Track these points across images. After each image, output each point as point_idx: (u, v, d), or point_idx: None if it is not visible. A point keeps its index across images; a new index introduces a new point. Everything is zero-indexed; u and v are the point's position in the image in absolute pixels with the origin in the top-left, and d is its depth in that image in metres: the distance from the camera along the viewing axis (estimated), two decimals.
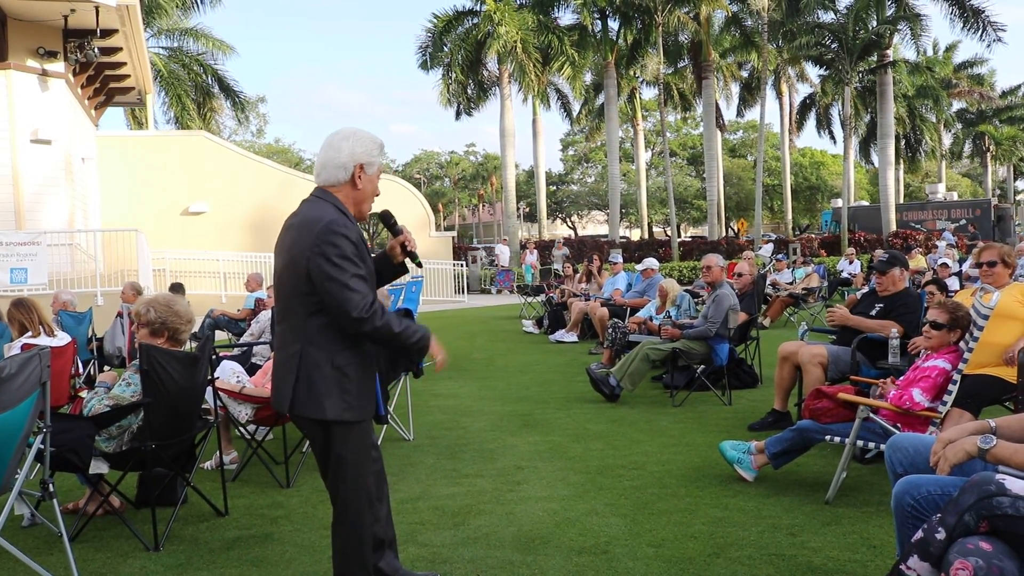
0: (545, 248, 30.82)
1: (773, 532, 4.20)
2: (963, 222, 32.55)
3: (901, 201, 42.52)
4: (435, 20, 31.87)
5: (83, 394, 7.21)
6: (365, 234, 3.74)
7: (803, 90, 41.56)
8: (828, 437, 4.75)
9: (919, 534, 2.47)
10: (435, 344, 3.22)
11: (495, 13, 29.05)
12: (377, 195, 3.26)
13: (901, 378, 5.04)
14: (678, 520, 4.42)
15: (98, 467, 4.30)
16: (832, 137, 42.54)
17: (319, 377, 3.03)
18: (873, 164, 44.70)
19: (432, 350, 3.22)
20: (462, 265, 25.96)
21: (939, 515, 2.44)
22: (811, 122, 41.88)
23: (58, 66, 16.91)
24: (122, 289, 10.26)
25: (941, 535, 2.38)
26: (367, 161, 3.13)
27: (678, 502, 4.73)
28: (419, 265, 3.47)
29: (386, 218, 3.39)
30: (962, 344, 4.76)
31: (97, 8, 15.70)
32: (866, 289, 8.68)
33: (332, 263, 2.93)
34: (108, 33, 16.81)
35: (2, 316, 8.60)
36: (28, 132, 16.54)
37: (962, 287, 11.92)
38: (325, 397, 3.03)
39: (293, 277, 3.02)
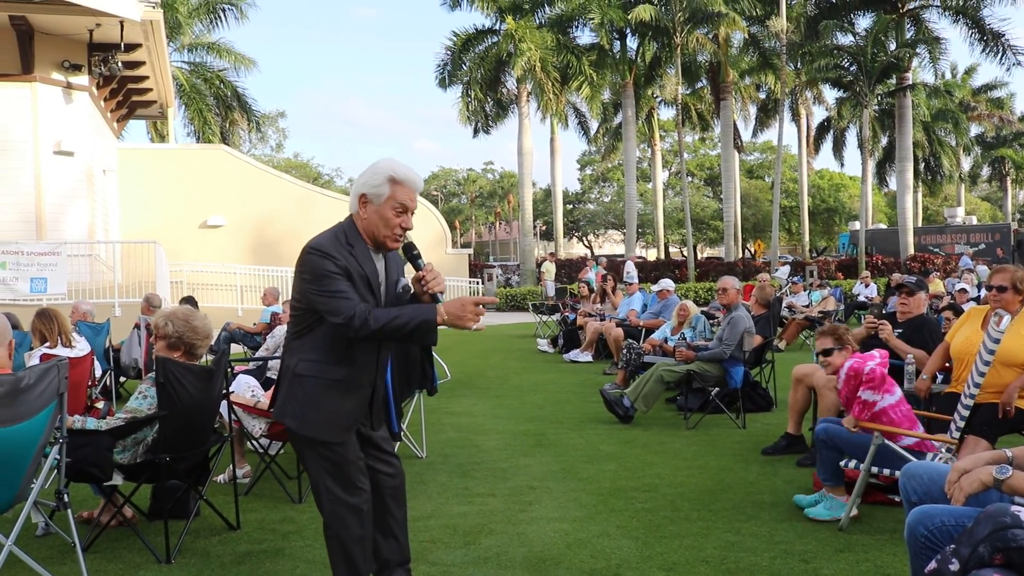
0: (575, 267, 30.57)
1: (786, 558, 4.17)
2: (982, 246, 32.30)
3: (919, 224, 42.30)
4: (454, 38, 32.09)
5: (99, 405, 7.29)
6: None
7: (819, 113, 41.55)
8: (843, 462, 4.72)
9: (932, 564, 2.44)
10: (445, 314, 3.01)
11: (516, 31, 29.16)
12: (408, 228, 3.19)
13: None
14: (690, 544, 4.39)
15: (112, 478, 4.32)
16: (842, 162, 42.40)
17: (284, 383, 3.24)
18: (889, 187, 44.55)
19: (446, 320, 3.02)
20: (478, 283, 26.00)
21: (953, 546, 2.42)
22: (828, 144, 41.83)
23: (82, 79, 17.15)
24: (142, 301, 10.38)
25: (955, 566, 2.35)
26: (368, 192, 3.19)
27: (690, 525, 4.70)
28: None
29: (407, 249, 3.31)
30: (973, 369, 4.71)
31: (122, 23, 15.92)
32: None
33: (307, 281, 3.08)
34: (132, 47, 17.04)
35: (21, 325, 8.70)
36: (51, 144, 16.76)
37: None
38: (287, 401, 3.21)
39: (294, 293, 3.23)
